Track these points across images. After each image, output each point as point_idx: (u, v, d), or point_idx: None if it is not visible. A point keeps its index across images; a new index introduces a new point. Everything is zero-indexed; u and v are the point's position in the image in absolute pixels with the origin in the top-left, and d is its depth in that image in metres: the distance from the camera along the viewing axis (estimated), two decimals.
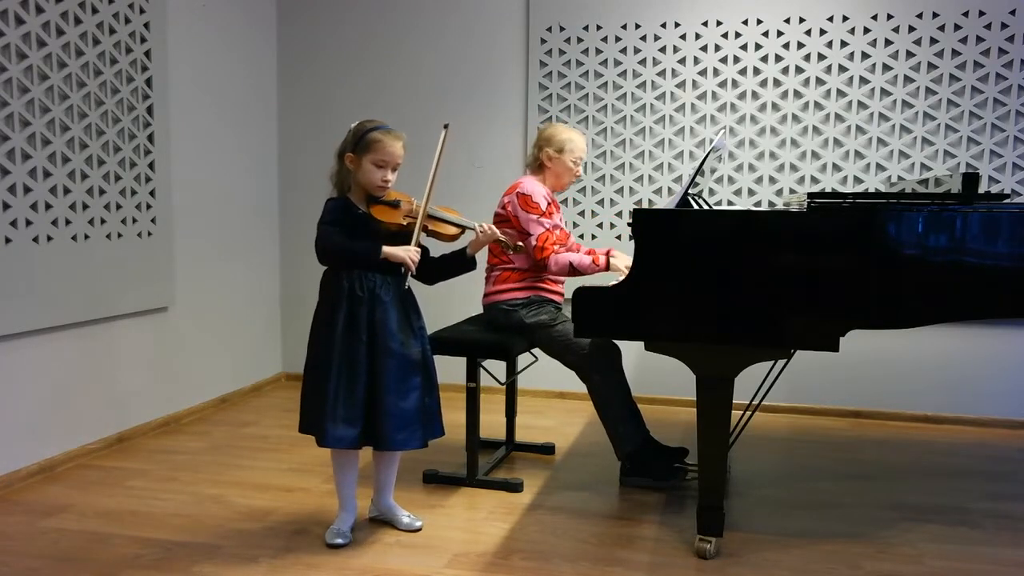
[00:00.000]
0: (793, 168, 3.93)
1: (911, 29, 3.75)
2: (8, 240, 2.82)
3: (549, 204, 2.98)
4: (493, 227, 2.54)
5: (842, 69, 3.83)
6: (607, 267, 2.94)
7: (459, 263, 2.55)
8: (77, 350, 3.16)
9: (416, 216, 2.39)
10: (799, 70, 3.87)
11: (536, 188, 2.98)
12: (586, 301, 2.35)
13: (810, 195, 2.42)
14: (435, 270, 2.57)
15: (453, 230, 2.49)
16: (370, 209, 2.37)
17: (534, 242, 2.90)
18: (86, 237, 3.15)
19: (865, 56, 3.80)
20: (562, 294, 3.11)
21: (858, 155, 3.86)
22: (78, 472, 3.07)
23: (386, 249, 2.32)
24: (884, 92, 3.80)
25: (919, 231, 2.22)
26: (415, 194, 2.47)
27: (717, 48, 3.93)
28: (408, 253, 2.34)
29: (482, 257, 3.05)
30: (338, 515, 2.50)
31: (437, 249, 2.55)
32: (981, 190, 3.47)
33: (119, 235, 3.32)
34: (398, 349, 2.37)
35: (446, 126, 2.44)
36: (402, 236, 2.39)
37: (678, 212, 2.34)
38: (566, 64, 4.10)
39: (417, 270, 2.53)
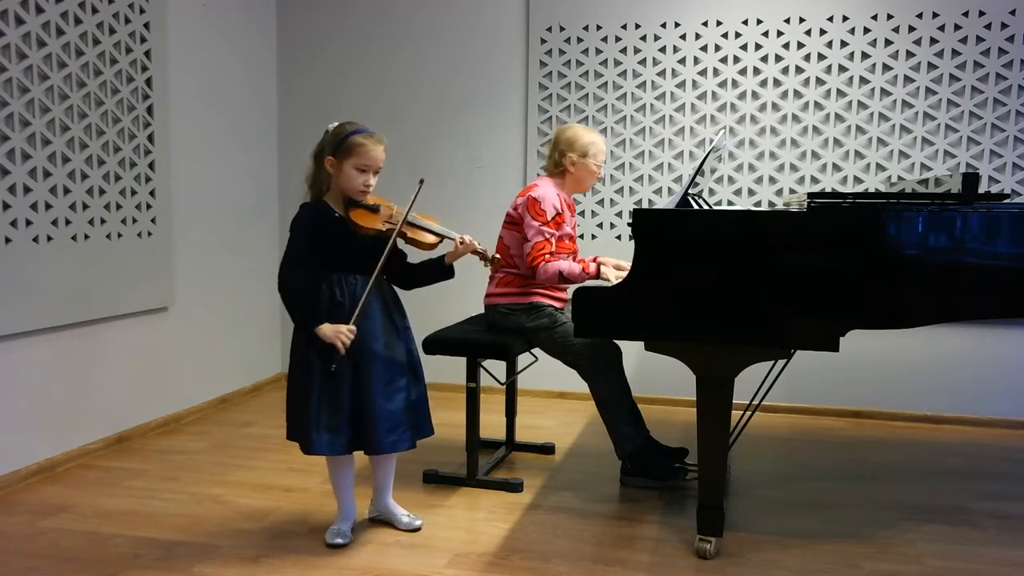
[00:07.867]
0: (793, 168, 3.93)
1: (911, 29, 3.75)
2: (8, 240, 2.82)
3: (558, 213, 2.90)
4: (473, 240, 2.49)
5: (842, 69, 3.83)
6: (597, 273, 2.87)
7: (437, 271, 2.51)
8: (77, 350, 3.16)
9: (396, 223, 2.35)
10: (799, 70, 3.87)
11: (548, 194, 2.90)
12: (586, 301, 2.34)
13: (810, 195, 2.42)
14: (413, 276, 2.54)
15: (432, 239, 2.45)
16: (348, 213, 2.33)
17: (529, 249, 2.86)
18: (86, 237, 3.15)
19: (865, 56, 3.80)
20: (565, 300, 3.07)
21: (858, 155, 3.86)
22: (78, 472, 3.07)
23: (321, 328, 2.25)
24: (884, 92, 3.80)
25: (919, 231, 2.22)
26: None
27: (717, 48, 3.93)
28: (339, 335, 2.24)
29: (472, 263, 3.05)
30: (337, 516, 2.51)
31: (416, 256, 2.52)
32: (981, 190, 3.48)
33: (119, 235, 3.32)
34: (382, 351, 2.35)
35: (421, 181, 2.37)
36: (379, 241, 2.34)
37: (678, 212, 2.34)
38: (566, 64, 4.10)
39: (395, 275, 2.51)
